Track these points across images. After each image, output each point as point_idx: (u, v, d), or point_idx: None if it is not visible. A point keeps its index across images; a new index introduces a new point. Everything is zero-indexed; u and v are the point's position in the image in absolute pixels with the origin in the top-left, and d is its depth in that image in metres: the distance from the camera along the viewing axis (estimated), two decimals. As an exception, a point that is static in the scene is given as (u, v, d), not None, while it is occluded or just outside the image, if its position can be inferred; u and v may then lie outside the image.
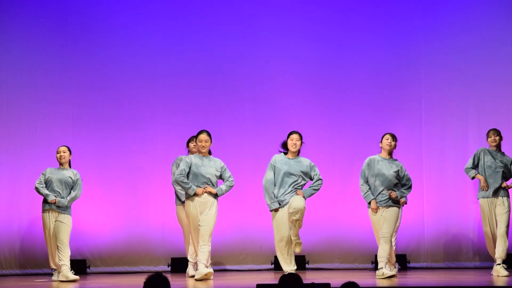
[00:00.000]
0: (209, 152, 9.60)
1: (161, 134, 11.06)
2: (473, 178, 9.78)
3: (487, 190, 9.61)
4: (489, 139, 9.79)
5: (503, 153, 9.78)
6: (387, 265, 9.16)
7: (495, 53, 11.09)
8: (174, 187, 9.96)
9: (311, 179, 9.37)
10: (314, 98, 11.19)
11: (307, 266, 10.83)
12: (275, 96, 11.20)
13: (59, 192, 9.75)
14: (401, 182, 9.30)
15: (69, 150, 9.93)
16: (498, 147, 9.79)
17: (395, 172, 9.23)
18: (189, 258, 9.85)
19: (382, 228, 9.13)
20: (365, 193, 9.25)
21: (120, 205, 11.03)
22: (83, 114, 11.12)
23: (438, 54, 11.17)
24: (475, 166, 9.77)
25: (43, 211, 9.80)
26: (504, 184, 9.63)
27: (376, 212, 9.18)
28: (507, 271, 9.42)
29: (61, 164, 9.86)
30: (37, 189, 9.81)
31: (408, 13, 11.26)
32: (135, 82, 11.20)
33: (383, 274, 9.06)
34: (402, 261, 10.67)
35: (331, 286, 6.30)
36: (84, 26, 11.21)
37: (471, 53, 11.12)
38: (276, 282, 5.57)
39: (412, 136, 11.04)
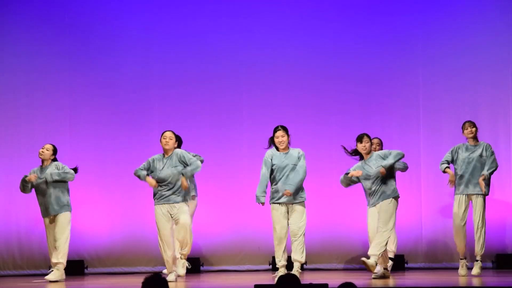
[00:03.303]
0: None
1: (158, 135, 11.02)
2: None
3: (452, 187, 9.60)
4: (465, 131, 9.69)
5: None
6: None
7: (492, 58, 11.10)
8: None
9: None
10: (312, 102, 11.19)
11: (305, 266, 10.83)
12: (272, 98, 11.20)
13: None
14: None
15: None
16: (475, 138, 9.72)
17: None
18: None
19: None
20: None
21: (118, 206, 11.03)
22: (81, 116, 11.13)
23: (436, 59, 11.17)
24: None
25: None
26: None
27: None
28: (499, 271, 9.53)
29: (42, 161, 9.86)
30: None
31: (406, 18, 11.26)
32: (132, 84, 11.22)
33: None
34: (400, 262, 10.68)
35: (329, 286, 6.30)
36: (81, 29, 11.22)
37: (469, 58, 11.13)
38: (274, 282, 5.57)
39: (410, 140, 11.05)
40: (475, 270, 9.46)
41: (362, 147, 9.35)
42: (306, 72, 11.22)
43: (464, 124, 9.72)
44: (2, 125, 11.04)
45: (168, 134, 9.21)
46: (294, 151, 9.26)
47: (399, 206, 10.43)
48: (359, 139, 9.38)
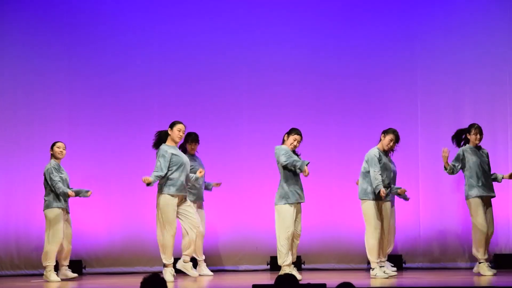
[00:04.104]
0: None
1: (157, 134, 11.06)
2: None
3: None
4: (474, 136, 9.78)
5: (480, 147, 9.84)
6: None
7: (490, 55, 11.10)
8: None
9: None
10: (311, 101, 11.19)
11: (303, 266, 10.83)
12: (273, 98, 11.20)
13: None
14: None
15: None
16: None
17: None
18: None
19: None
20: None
21: (117, 205, 11.03)
22: (80, 116, 11.13)
23: (434, 57, 11.17)
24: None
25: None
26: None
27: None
28: (497, 271, 9.60)
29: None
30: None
31: (405, 16, 11.26)
32: (131, 84, 11.21)
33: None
34: (398, 262, 10.69)
35: (327, 286, 6.30)
36: (81, 29, 11.21)
37: (467, 56, 11.13)
38: (272, 282, 5.58)
39: (408, 138, 11.04)
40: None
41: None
42: (306, 72, 11.22)
43: (474, 127, 9.73)
44: (1, 126, 11.03)
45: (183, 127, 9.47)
46: None
47: (397, 205, 10.47)
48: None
